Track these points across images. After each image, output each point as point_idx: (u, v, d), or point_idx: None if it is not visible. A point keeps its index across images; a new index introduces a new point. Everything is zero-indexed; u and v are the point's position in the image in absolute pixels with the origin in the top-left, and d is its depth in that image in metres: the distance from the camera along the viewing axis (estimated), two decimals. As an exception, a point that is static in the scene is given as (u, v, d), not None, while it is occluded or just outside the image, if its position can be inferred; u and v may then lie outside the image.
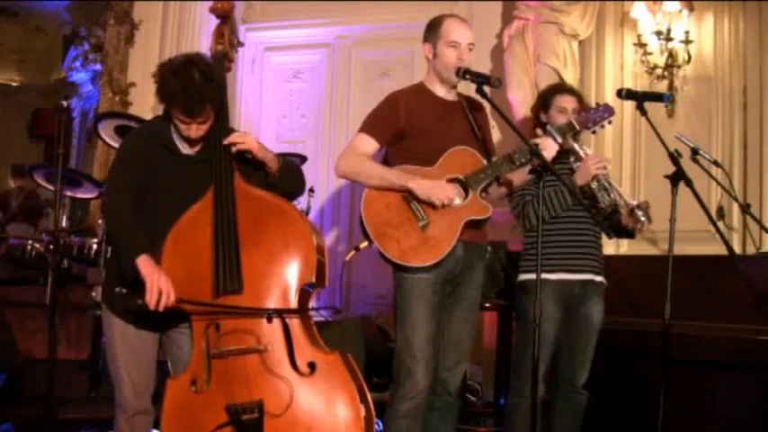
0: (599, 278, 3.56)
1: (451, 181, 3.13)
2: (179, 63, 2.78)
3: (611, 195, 3.43)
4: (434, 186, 3.06)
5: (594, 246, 3.57)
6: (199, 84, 2.72)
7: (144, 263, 2.69)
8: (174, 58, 2.84)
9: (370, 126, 3.23)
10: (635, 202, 3.37)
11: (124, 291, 2.72)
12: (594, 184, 3.43)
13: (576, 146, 3.43)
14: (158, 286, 2.65)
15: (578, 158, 3.46)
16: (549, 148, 3.16)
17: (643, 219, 3.32)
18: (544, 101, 3.65)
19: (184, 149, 2.91)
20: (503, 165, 3.17)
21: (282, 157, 3.02)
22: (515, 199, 3.51)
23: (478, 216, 3.14)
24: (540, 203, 2.92)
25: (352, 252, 3.26)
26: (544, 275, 3.37)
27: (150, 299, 2.65)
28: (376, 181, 3.13)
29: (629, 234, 3.60)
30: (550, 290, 3.41)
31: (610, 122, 3.43)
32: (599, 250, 3.60)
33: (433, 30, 3.24)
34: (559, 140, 3.22)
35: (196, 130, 2.80)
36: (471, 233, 3.16)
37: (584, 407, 3.55)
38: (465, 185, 3.14)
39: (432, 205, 3.08)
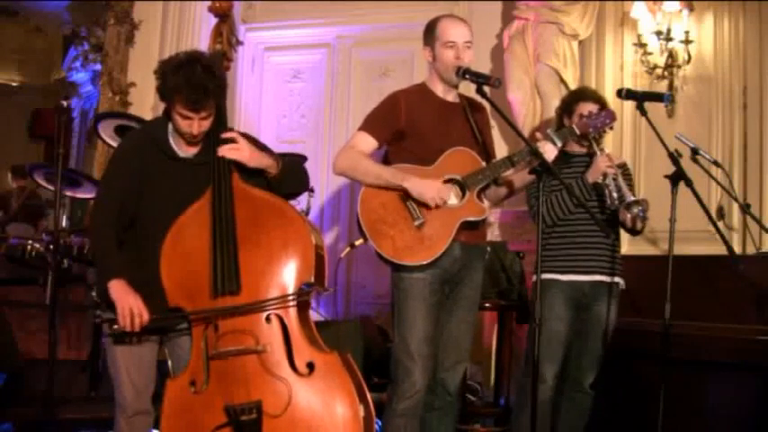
0: (612, 279, 3.55)
1: (449, 181, 3.13)
2: (182, 59, 2.78)
3: (617, 195, 3.43)
4: (428, 186, 3.06)
5: (606, 246, 3.53)
6: (202, 77, 2.72)
7: (114, 287, 2.72)
8: (176, 55, 2.84)
9: (370, 125, 3.23)
10: (632, 198, 3.37)
11: (103, 317, 2.77)
12: (610, 183, 3.42)
13: (595, 145, 3.43)
14: (129, 309, 2.69)
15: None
16: (548, 153, 3.15)
17: (640, 215, 3.31)
18: (567, 107, 3.64)
19: (182, 152, 2.89)
20: (501, 166, 3.17)
21: (282, 157, 3.00)
22: (532, 198, 3.50)
23: (474, 217, 3.14)
24: (540, 205, 2.92)
25: (348, 249, 3.27)
26: (555, 276, 3.43)
27: (123, 322, 2.70)
28: (371, 179, 3.14)
29: (633, 231, 3.59)
30: (560, 290, 3.43)
31: (611, 128, 3.42)
32: (614, 250, 3.58)
33: (429, 33, 3.25)
34: (559, 145, 3.22)
35: (198, 126, 2.78)
36: (469, 234, 3.16)
37: (589, 407, 3.55)
38: (462, 186, 3.14)
39: (427, 205, 3.08)
